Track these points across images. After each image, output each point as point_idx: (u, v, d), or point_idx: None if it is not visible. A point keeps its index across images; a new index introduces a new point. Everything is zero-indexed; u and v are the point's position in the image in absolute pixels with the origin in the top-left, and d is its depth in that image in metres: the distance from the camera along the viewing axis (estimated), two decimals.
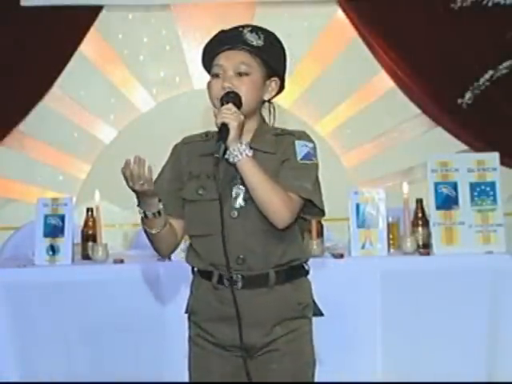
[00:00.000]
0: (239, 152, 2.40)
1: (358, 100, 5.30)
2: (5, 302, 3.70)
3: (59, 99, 5.22)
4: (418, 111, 5.30)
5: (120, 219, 5.19)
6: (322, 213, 2.52)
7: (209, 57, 2.53)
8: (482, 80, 4.93)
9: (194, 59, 5.25)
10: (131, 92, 5.29)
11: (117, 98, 5.26)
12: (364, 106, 5.30)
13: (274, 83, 2.54)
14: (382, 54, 5.20)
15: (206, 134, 2.61)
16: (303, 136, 2.54)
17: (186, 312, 2.61)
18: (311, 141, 2.53)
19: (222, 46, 2.49)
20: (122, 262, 3.85)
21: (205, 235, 2.49)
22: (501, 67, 4.91)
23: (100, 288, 3.74)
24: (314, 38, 5.26)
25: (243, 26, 2.51)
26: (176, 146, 2.67)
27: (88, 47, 5.20)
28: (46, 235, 3.90)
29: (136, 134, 5.25)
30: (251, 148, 2.45)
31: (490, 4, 4.95)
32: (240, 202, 2.46)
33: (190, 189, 2.53)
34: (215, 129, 2.50)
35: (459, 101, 5.00)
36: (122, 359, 3.72)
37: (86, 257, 3.97)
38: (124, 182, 2.53)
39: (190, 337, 2.59)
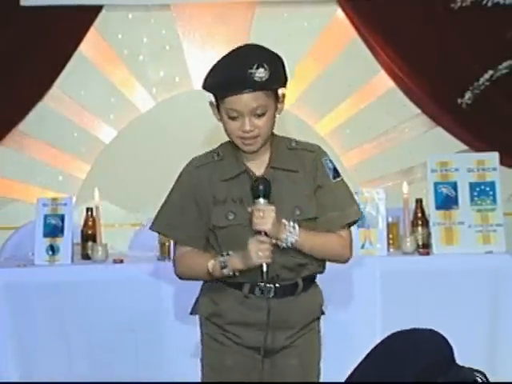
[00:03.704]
0: (290, 234, 2.46)
1: (357, 100, 5.30)
2: (5, 302, 3.71)
3: (59, 99, 5.22)
4: (418, 111, 5.30)
5: (120, 219, 5.19)
6: (358, 217, 2.63)
7: (217, 93, 2.50)
8: (481, 80, 4.92)
9: (194, 59, 5.26)
10: (131, 92, 5.29)
11: (116, 97, 5.26)
12: (364, 105, 5.30)
13: (281, 96, 2.57)
14: (381, 54, 5.20)
15: (217, 152, 2.60)
16: (321, 151, 2.61)
17: (193, 313, 2.66)
18: (325, 152, 2.62)
19: (233, 90, 2.45)
20: (121, 261, 3.85)
21: None
22: (500, 67, 4.90)
23: (100, 288, 3.75)
24: (314, 37, 5.26)
25: (250, 64, 2.44)
26: (187, 171, 2.62)
27: (88, 47, 5.19)
28: (45, 235, 3.90)
29: (136, 134, 5.25)
30: (272, 167, 2.53)
31: (489, 4, 4.95)
32: None
33: (218, 214, 2.53)
34: (218, 138, 2.58)
35: (459, 101, 5.00)
36: (122, 359, 3.72)
37: (85, 257, 3.97)
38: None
39: (206, 335, 2.63)
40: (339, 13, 5.25)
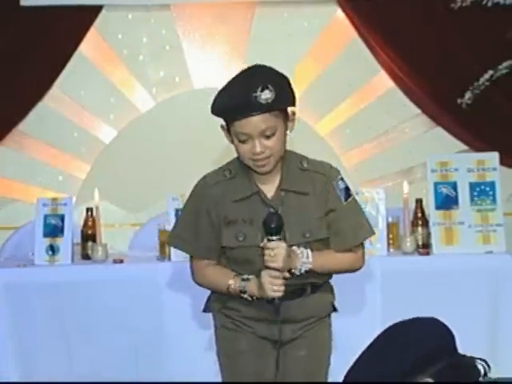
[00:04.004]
0: (304, 263, 2.53)
1: (357, 100, 5.29)
2: (5, 302, 3.71)
3: (59, 99, 5.22)
4: (418, 111, 5.30)
5: (120, 219, 5.19)
6: (369, 235, 2.72)
7: (225, 117, 2.52)
8: (481, 80, 4.92)
9: (194, 59, 5.26)
10: (131, 92, 5.29)
11: (116, 97, 5.26)
12: (364, 105, 5.29)
13: (291, 115, 2.57)
14: (381, 54, 5.20)
15: (229, 170, 2.62)
16: (332, 172, 2.63)
17: (206, 310, 2.72)
18: (338, 171, 2.65)
19: (241, 114, 2.47)
20: (121, 261, 3.85)
21: (247, 274, 2.58)
22: (500, 67, 4.90)
23: (99, 288, 3.75)
24: (314, 37, 5.25)
25: (254, 88, 2.44)
26: (199, 187, 2.65)
27: (88, 47, 5.19)
28: (45, 235, 3.90)
29: (136, 134, 5.25)
30: (282, 190, 2.57)
31: (489, 4, 4.94)
32: None
33: (229, 236, 2.58)
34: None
35: (459, 101, 4.99)
36: (122, 359, 3.72)
37: (85, 257, 3.97)
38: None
39: (219, 326, 2.70)
40: (339, 13, 5.25)
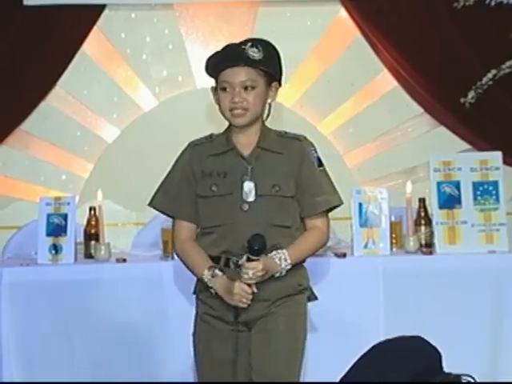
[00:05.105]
0: (285, 266, 2.68)
1: (360, 99, 5.29)
2: (7, 301, 3.71)
3: (62, 98, 5.22)
4: (421, 110, 5.29)
5: (123, 218, 5.19)
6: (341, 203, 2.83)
7: (214, 69, 2.76)
8: (484, 79, 4.92)
9: (197, 58, 5.25)
10: (134, 91, 5.29)
11: (120, 97, 5.26)
12: (367, 105, 5.29)
13: (274, 87, 2.78)
14: (384, 53, 5.19)
15: (210, 135, 2.85)
16: (307, 141, 2.81)
17: (194, 293, 2.84)
18: (312, 143, 2.82)
19: (227, 63, 2.73)
20: (124, 261, 3.85)
21: (216, 226, 2.72)
22: (503, 66, 4.90)
23: (102, 287, 3.75)
24: (317, 37, 5.25)
25: (244, 43, 2.74)
26: (184, 151, 2.87)
27: (91, 46, 5.19)
28: (48, 234, 3.91)
29: (139, 133, 5.25)
30: (258, 147, 2.74)
31: (492, 3, 4.94)
32: (252, 196, 2.70)
33: (204, 186, 2.75)
34: (217, 131, 2.81)
35: (462, 100, 4.99)
36: (125, 358, 3.72)
37: (88, 256, 3.98)
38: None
39: (197, 314, 2.81)
40: (342, 12, 5.25)
